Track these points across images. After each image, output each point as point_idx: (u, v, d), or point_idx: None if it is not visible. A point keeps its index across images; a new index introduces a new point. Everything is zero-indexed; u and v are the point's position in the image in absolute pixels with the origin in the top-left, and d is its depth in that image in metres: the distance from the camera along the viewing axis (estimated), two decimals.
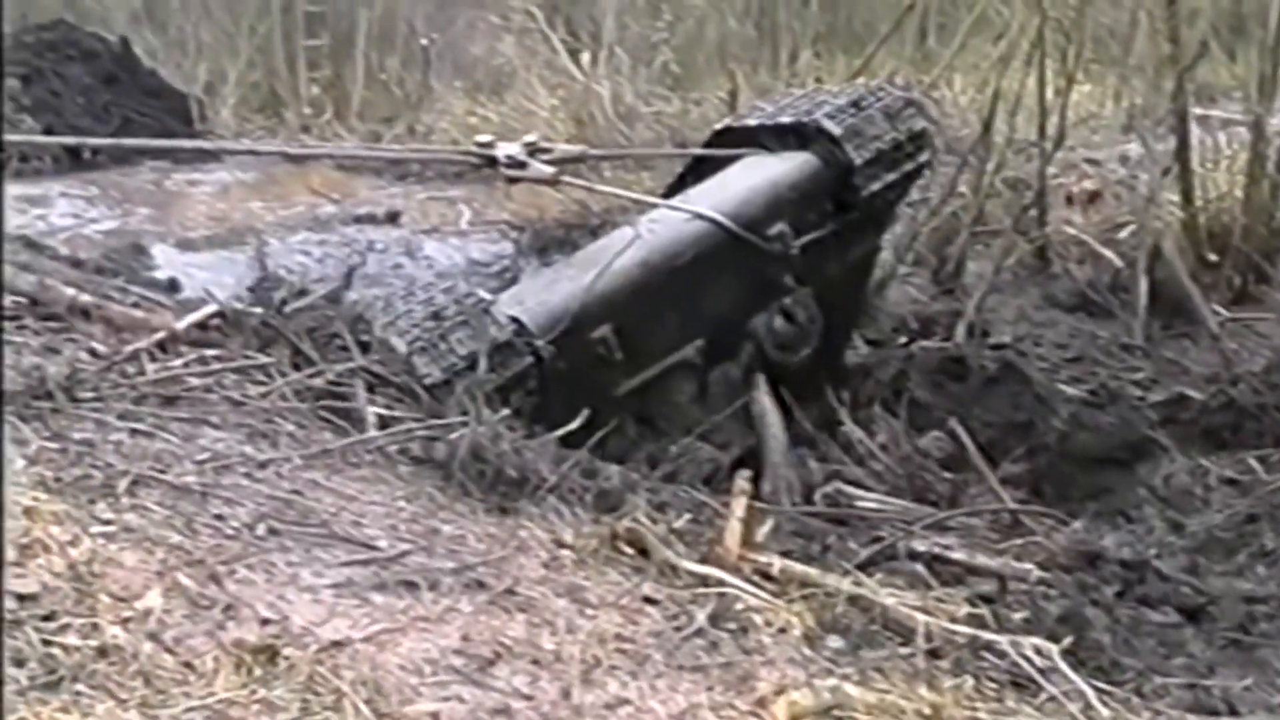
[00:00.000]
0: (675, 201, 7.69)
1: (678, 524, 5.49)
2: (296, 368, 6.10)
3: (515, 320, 6.60)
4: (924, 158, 8.24)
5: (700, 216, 7.35)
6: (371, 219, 11.37)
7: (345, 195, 12.35)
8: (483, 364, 6.23)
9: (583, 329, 6.78)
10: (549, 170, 7.32)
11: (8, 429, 4.96)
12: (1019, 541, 6.25)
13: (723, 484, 6.36)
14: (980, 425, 8.08)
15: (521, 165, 7.25)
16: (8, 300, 6.00)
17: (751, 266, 7.54)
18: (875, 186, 7.98)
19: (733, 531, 5.33)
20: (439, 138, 13.57)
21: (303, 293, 7.01)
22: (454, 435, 5.59)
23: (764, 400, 7.44)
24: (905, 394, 8.26)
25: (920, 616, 5.06)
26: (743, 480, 5.80)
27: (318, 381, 5.96)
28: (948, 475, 7.37)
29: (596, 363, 6.83)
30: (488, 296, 6.67)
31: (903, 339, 9.67)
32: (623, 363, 6.95)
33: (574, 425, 6.12)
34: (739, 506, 5.53)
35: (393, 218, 11.62)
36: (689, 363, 7.25)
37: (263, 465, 5.27)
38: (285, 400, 5.84)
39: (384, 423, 5.81)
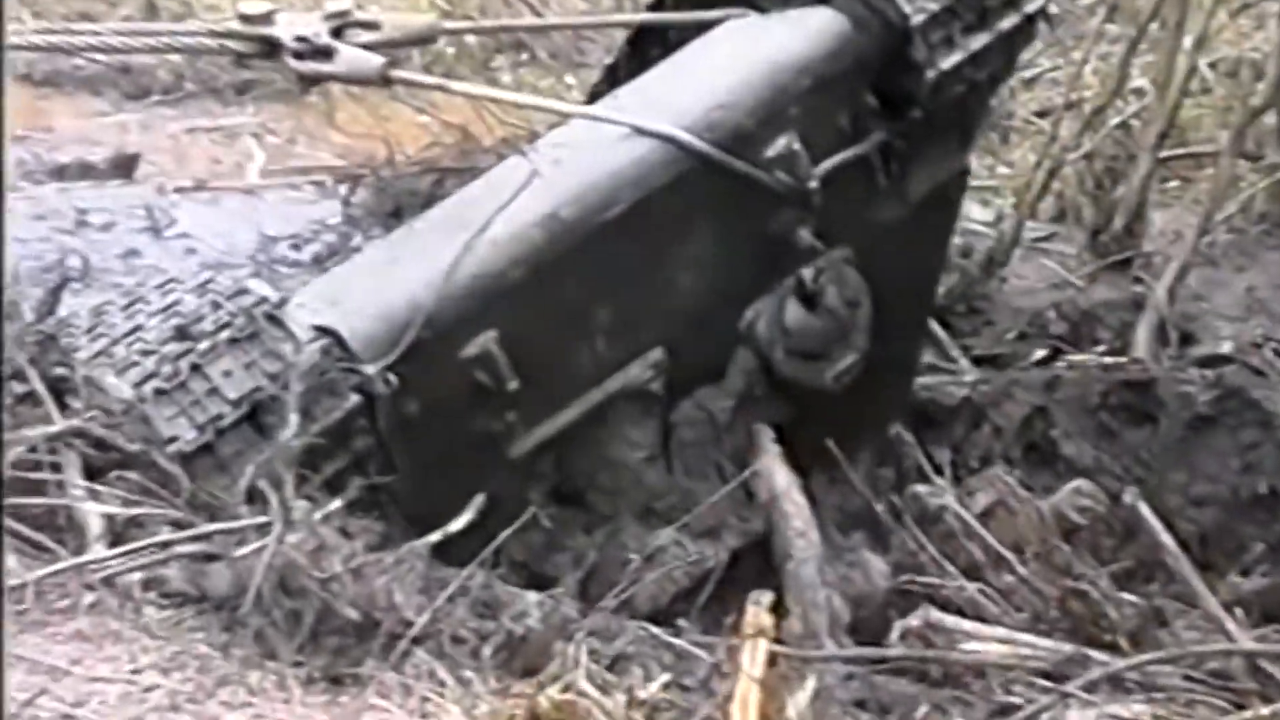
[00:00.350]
0: (602, 108, 5.87)
1: (646, 692, 4.41)
2: None
3: (325, 333, 5.07)
4: (1036, 5, 6.27)
5: (645, 132, 5.55)
6: (86, 170, 9.13)
7: (35, 128, 10.07)
8: (291, 411, 4.85)
9: (446, 342, 5.21)
10: (374, 61, 5.35)
11: None
12: (1264, 713, 4.85)
13: (715, 614, 5.35)
14: (1183, 501, 6.88)
15: (324, 53, 5.32)
16: None
17: (739, 216, 5.76)
18: (951, 62, 6.01)
19: (746, 705, 4.37)
20: (203, 16, 11.25)
21: None
22: (242, 551, 4.38)
23: (772, 460, 5.78)
24: (1045, 447, 7.07)
25: None
26: (758, 608, 4.64)
27: None
28: (1126, 593, 5.76)
29: (474, 400, 5.30)
30: (271, 294, 5.16)
31: (1039, 351, 8.09)
32: (521, 397, 5.38)
33: (456, 525, 4.98)
34: (753, 656, 4.47)
35: (124, 167, 9.39)
36: (639, 391, 5.66)
37: None
38: None
39: (117, 533, 4.61)
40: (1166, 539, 5.79)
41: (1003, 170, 8.88)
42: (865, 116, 6.04)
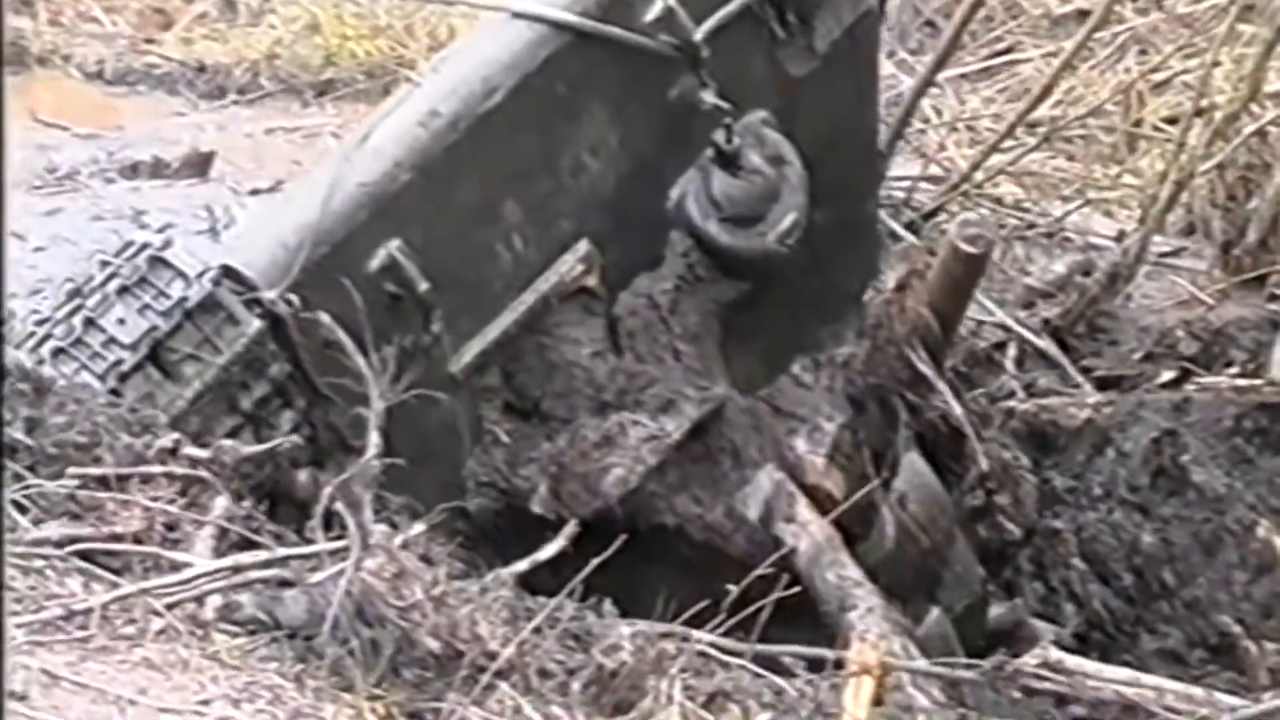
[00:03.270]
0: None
1: None
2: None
3: (218, 271, 5.06)
4: None
5: (516, 15, 5.49)
6: (159, 169, 8.81)
7: (106, 127, 10.00)
8: (225, 354, 4.95)
9: (346, 258, 5.15)
10: None
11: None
12: None
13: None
14: None
15: None
16: None
17: (632, 89, 5.65)
18: None
19: None
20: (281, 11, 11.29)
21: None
22: (318, 577, 4.26)
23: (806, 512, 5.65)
24: (1174, 473, 6.78)
25: None
26: (864, 645, 4.64)
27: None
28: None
29: (394, 314, 5.22)
30: (155, 239, 5.11)
31: (1167, 373, 7.70)
32: (444, 306, 5.32)
33: (544, 554, 5.02)
34: (858, 696, 4.40)
35: (198, 166, 9.01)
36: (575, 289, 5.58)
37: None
38: None
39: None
40: None
41: (1128, 181, 8.67)
42: None
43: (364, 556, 4.26)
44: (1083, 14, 10.84)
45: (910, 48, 10.59)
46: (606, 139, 5.56)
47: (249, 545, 4.47)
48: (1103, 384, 7.46)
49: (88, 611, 4.07)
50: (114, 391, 4.80)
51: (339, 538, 4.45)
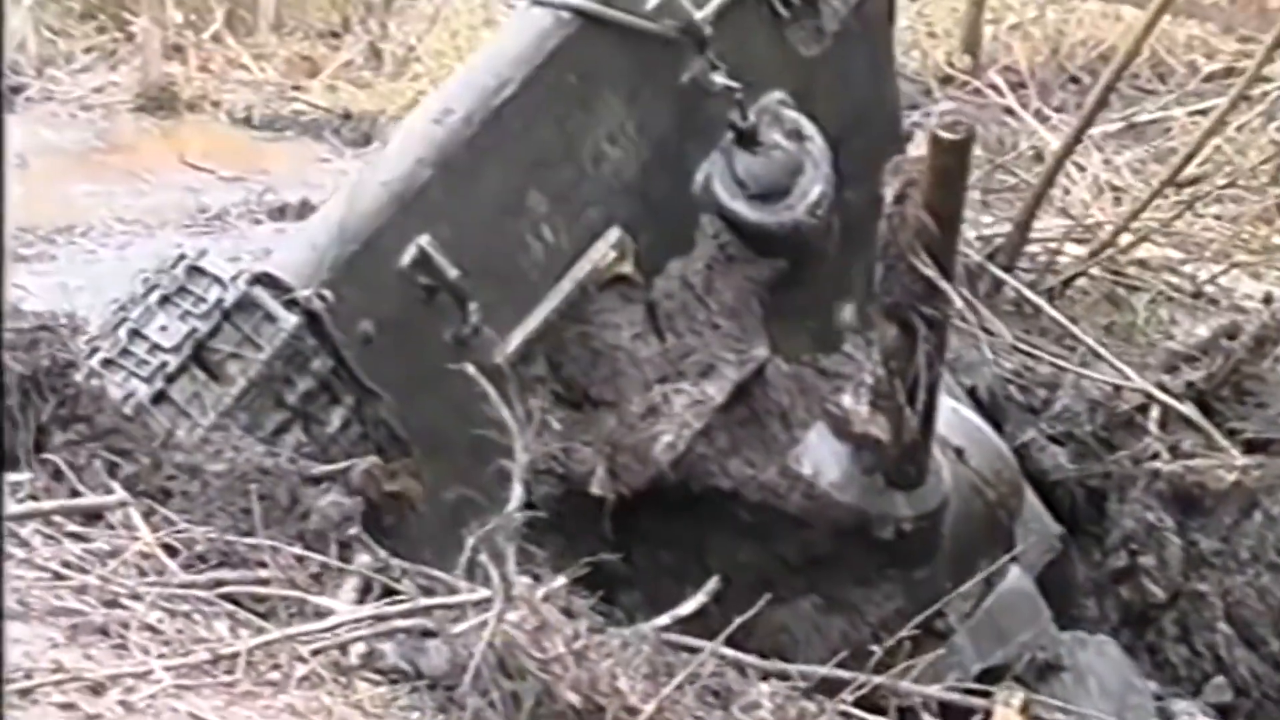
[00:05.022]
0: None
1: None
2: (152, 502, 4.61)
3: (253, 274, 5.11)
4: None
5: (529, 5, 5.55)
6: (305, 211, 8.73)
7: (250, 169, 9.97)
8: (266, 350, 4.98)
9: (377, 255, 5.21)
10: None
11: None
12: None
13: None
14: None
15: None
16: None
17: (643, 75, 5.64)
18: None
19: None
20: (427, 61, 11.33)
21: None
22: (461, 628, 4.20)
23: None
24: None
25: None
26: (1008, 710, 4.51)
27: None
28: None
29: (429, 307, 5.25)
30: (191, 250, 5.24)
31: None
32: (480, 297, 5.31)
33: (686, 609, 4.72)
34: None
35: None
36: (612, 277, 5.60)
37: (98, 689, 3.82)
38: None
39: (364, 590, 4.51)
40: None
41: (1276, 241, 8.54)
42: None
43: (506, 608, 4.20)
44: (1230, 71, 10.72)
45: (1054, 105, 10.52)
46: (624, 126, 5.57)
47: (391, 593, 4.45)
48: (1250, 447, 7.31)
49: (234, 656, 4.03)
50: (160, 394, 4.92)
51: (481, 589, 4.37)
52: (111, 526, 4.53)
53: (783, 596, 5.37)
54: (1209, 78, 10.95)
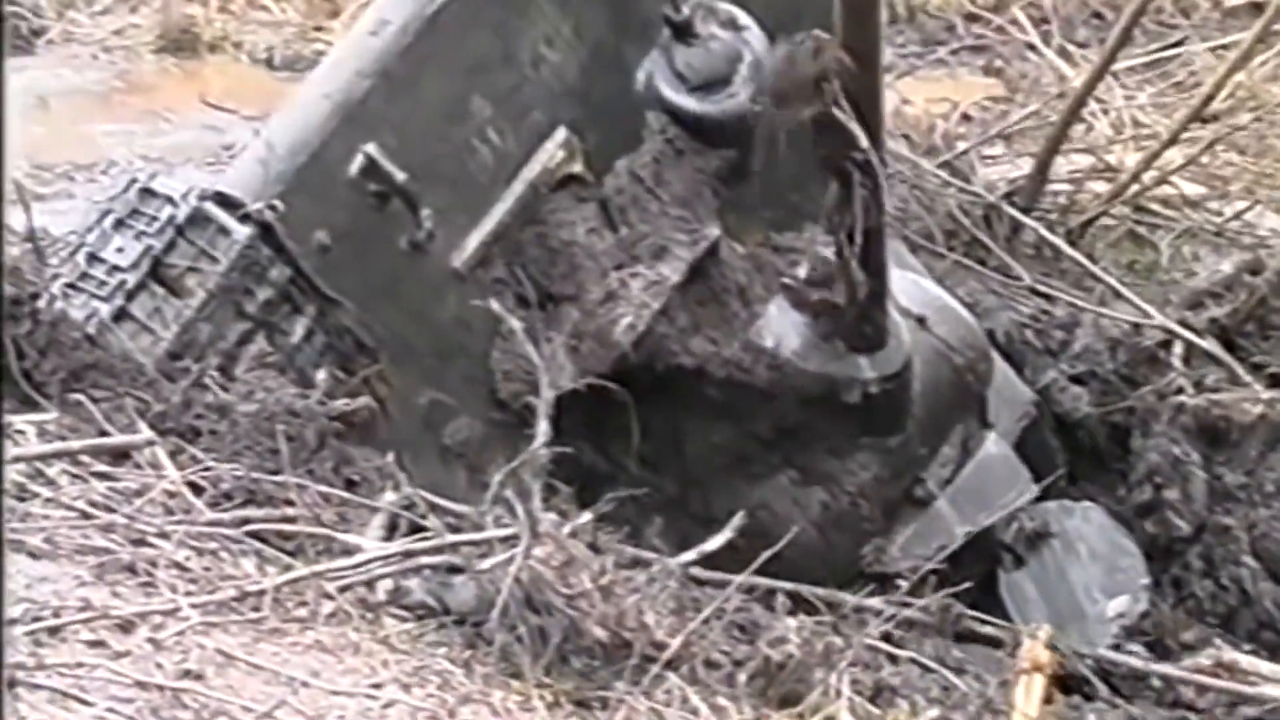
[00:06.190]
0: None
1: None
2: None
3: (202, 196, 5.14)
4: None
5: None
6: None
7: (272, 109, 10.26)
8: (222, 262, 5.00)
9: (325, 166, 5.25)
10: None
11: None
12: None
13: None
14: None
15: None
16: None
17: None
18: None
19: None
20: None
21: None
22: (487, 564, 4.26)
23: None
24: None
25: None
26: (1034, 642, 4.41)
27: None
28: None
29: (382, 214, 5.29)
30: (141, 175, 5.26)
31: None
32: (432, 202, 5.35)
33: (712, 545, 4.71)
34: (1029, 693, 4.27)
35: None
36: (563, 177, 5.61)
37: (126, 627, 3.87)
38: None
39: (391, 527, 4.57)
40: None
41: None
42: None
43: (533, 544, 4.25)
44: (1255, 6, 10.67)
45: (1077, 40, 10.51)
46: (560, 29, 5.62)
47: (418, 530, 4.51)
48: (1274, 381, 7.30)
49: (261, 593, 4.09)
50: (121, 311, 4.97)
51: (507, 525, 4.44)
52: (139, 465, 4.60)
53: (759, 473, 5.45)
54: (1232, 12, 10.98)
